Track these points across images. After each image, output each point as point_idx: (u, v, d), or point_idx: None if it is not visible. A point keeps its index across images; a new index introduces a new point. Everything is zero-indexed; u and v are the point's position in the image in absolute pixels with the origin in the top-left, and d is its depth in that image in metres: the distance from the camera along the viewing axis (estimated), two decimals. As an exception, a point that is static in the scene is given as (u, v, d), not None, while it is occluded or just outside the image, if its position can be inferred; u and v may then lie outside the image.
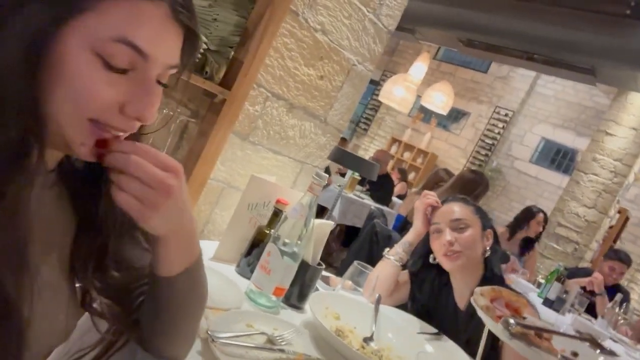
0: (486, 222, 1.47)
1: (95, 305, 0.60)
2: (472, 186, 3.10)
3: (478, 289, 0.98)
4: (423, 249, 1.50)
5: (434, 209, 1.50)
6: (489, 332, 0.95)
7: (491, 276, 1.40)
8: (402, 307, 1.47)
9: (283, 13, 1.23)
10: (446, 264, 1.41)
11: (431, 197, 1.51)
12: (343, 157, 3.16)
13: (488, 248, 1.43)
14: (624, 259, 3.81)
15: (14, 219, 0.46)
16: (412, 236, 1.50)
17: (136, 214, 0.52)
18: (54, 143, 0.49)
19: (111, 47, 0.47)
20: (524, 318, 0.96)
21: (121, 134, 0.52)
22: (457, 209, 1.45)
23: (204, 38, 1.15)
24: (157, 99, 0.51)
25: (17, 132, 0.45)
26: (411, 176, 9.35)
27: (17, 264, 0.47)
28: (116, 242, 0.60)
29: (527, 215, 3.77)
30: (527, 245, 3.73)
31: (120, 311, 0.62)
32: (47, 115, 0.47)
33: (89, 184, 0.58)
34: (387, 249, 1.53)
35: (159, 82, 0.53)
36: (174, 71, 0.55)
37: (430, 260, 1.46)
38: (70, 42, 0.46)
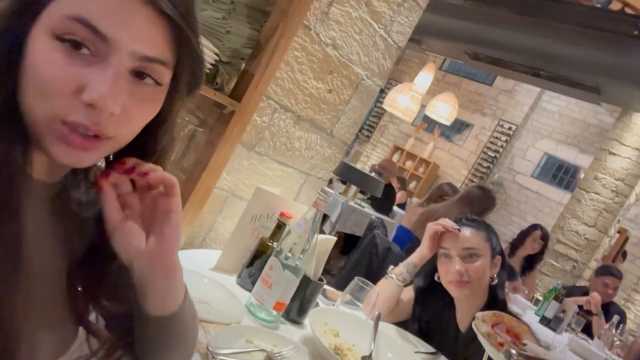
0: (496, 247, 1.43)
1: (91, 321, 0.59)
2: (479, 203, 3.08)
3: (480, 314, 0.98)
4: (430, 268, 1.48)
5: (446, 232, 1.43)
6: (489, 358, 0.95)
7: (495, 301, 1.39)
8: (402, 324, 1.46)
9: (296, 27, 1.23)
10: (453, 292, 1.40)
11: (446, 223, 1.44)
12: (348, 173, 3.14)
13: (495, 275, 1.41)
14: (616, 274, 3.75)
15: (4, 223, 0.45)
16: (417, 258, 1.47)
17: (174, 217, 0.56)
18: (36, 145, 0.48)
19: (66, 25, 0.44)
20: (524, 344, 0.96)
21: (87, 132, 0.47)
22: (468, 236, 1.40)
23: (214, 49, 1.15)
24: (121, 89, 0.47)
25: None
26: (412, 185, 9.35)
27: (9, 273, 0.45)
28: (117, 269, 0.57)
29: (526, 232, 3.68)
30: (530, 264, 3.65)
31: (113, 335, 0.60)
32: (23, 113, 0.47)
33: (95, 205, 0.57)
34: (391, 267, 1.51)
35: (139, 77, 0.49)
36: (161, 67, 0.49)
37: (435, 278, 1.44)
38: (35, 31, 0.45)
